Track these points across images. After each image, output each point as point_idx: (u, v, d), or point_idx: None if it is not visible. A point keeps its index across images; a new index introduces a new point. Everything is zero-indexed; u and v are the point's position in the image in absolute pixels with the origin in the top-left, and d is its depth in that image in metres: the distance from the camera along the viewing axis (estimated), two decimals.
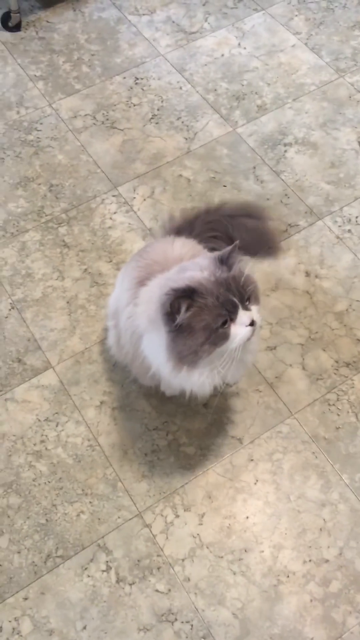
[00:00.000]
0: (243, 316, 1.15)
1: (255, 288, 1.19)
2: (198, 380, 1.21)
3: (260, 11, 2.28)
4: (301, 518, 1.42)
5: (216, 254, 1.19)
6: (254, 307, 1.18)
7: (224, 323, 1.14)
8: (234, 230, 1.48)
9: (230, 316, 1.14)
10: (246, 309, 1.16)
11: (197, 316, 1.13)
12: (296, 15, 2.27)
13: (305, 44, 2.20)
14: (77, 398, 1.56)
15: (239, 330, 1.15)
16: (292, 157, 1.95)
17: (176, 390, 1.39)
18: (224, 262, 1.17)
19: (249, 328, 1.16)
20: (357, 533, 1.41)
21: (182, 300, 1.13)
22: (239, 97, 2.08)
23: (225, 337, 1.15)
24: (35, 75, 2.13)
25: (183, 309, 1.13)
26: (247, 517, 1.42)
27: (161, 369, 1.25)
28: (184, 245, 1.37)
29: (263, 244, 1.54)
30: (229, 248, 1.18)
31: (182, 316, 1.13)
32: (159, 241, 1.43)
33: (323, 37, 2.22)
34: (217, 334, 1.14)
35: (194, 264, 1.20)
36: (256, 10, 2.29)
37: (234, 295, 1.14)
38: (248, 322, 1.15)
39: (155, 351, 1.24)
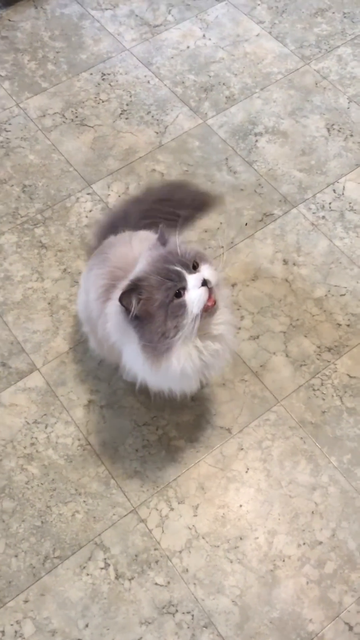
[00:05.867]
0: (192, 279, 1.16)
1: (195, 251, 1.20)
2: (179, 366, 1.19)
3: (222, 1, 2.28)
4: (293, 503, 1.45)
5: (154, 240, 1.23)
6: (203, 267, 1.19)
7: (178, 294, 1.15)
8: (167, 213, 1.55)
9: (181, 285, 1.15)
10: (193, 272, 1.17)
11: (149, 300, 1.15)
12: (258, 4, 2.28)
13: (270, 32, 2.21)
14: (64, 398, 1.56)
15: (192, 294, 1.15)
16: (263, 147, 1.96)
17: (165, 391, 1.38)
18: (163, 243, 1.21)
19: (203, 288, 1.16)
20: (348, 514, 1.44)
21: (130, 294, 1.15)
22: (207, 89, 2.08)
23: (182, 305, 1.15)
24: (0, 75, 2.10)
25: (134, 301, 1.15)
26: (241, 506, 1.44)
27: (146, 377, 1.26)
28: (141, 242, 1.37)
29: (198, 203, 1.65)
30: (159, 230, 1.22)
31: (135, 307, 1.15)
32: (116, 244, 1.42)
33: (286, 25, 2.23)
34: (174, 305, 1.15)
35: (140, 259, 1.24)
36: (218, 1, 2.29)
37: (175, 265, 1.16)
38: (199, 283, 1.16)
39: (134, 360, 1.25)
